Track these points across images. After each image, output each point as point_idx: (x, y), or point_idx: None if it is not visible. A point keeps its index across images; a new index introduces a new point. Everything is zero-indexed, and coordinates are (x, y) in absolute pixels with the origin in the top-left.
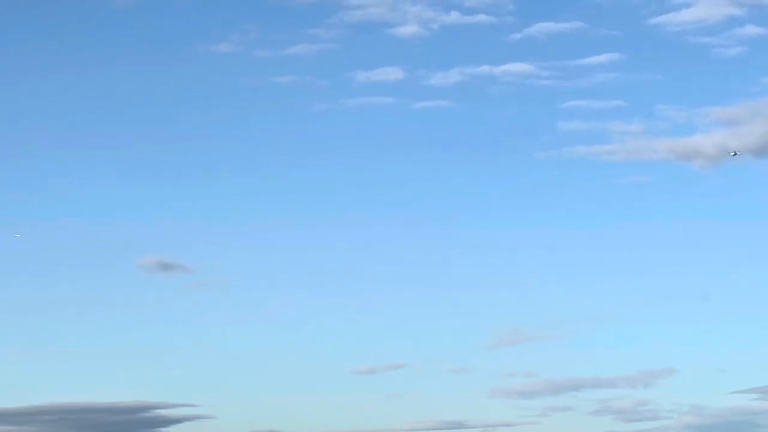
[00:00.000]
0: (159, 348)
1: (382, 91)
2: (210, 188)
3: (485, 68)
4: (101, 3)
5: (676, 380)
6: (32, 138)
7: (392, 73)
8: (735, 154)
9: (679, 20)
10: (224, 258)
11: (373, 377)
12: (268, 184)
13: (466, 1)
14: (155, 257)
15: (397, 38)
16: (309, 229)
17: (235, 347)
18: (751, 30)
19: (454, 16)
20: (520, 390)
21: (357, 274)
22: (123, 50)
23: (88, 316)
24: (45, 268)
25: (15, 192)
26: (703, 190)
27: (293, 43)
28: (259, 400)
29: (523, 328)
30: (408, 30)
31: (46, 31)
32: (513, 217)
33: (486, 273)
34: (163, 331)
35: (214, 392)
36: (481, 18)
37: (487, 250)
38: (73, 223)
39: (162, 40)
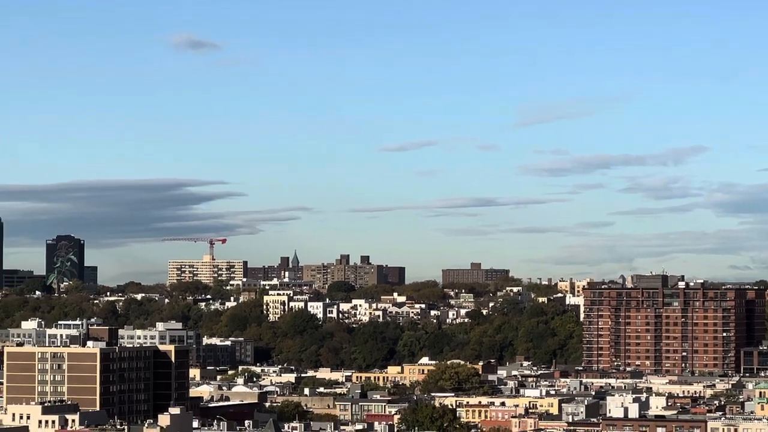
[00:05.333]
0: (190, 126)
1: None
2: None
3: None
4: None
5: (706, 158)
6: None
7: None
8: None
9: None
10: (253, 36)
11: (404, 154)
12: None
13: None
14: (185, 35)
15: None
16: (339, 6)
17: (266, 125)
18: None
19: None
20: (549, 167)
21: (389, 52)
22: None
23: (119, 95)
24: (77, 47)
25: None
26: None
27: None
28: (289, 177)
29: (551, 106)
30: None
31: None
32: None
33: (513, 50)
34: (194, 109)
35: (245, 170)
36: None
37: (516, 26)
38: (104, 3)
39: None
